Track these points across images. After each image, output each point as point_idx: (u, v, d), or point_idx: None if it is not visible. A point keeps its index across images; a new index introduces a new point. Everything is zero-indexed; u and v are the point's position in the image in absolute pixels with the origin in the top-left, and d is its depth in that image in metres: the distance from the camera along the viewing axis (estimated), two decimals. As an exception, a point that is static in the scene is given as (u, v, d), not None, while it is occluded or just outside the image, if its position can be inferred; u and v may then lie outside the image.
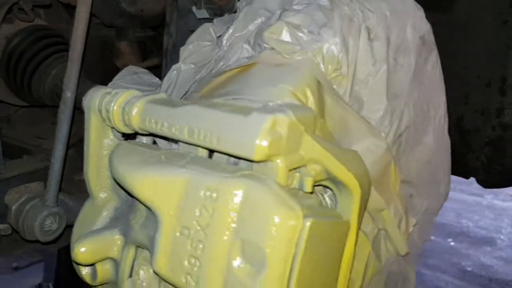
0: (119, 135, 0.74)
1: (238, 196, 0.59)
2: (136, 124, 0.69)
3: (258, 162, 0.61)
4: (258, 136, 0.58)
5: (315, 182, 0.66)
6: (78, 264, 0.72)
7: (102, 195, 0.78)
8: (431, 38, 1.00)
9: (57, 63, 1.29)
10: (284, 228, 0.57)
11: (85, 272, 0.76)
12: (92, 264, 0.73)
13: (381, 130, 0.81)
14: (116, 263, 0.73)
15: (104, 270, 0.74)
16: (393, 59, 0.85)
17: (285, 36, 0.73)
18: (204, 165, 0.63)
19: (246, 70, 0.77)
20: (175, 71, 0.91)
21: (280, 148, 0.60)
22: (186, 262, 0.60)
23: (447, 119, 1.10)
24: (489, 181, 1.75)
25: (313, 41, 0.73)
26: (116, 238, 0.72)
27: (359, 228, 0.72)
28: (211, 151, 0.67)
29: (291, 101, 0.68)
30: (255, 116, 0.59)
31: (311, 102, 0.70)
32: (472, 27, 1.70)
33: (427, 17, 0.94)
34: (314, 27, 0.74)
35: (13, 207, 1.12)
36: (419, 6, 0.96)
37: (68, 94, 1.06)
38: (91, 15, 1.09)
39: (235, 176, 0.60)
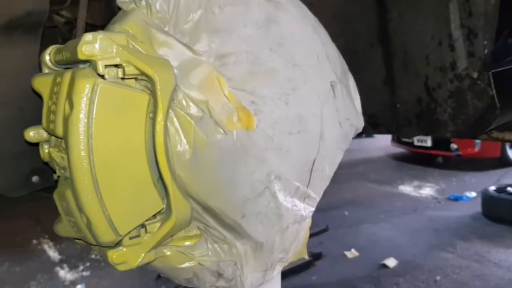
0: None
1: (68, 76, 1.11)
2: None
3: (83, 61, 1.12)
4: (79, 44, 1.09)
5: (131, 74, 1.13)
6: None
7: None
8: None
9: None
10: (82, 85, 1.06)
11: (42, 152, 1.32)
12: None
13: (202, 50, 1.24)
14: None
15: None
16: (218, 7, 1.28)
17: (126, -3, 1.25)
18: (65, 70, 1.17)
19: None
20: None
21: (94, 51, 1.10)
22: (51, 116, 1.13)
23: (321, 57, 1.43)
24: (457, 132, 1.87)
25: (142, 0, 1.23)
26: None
27: (166, 104, 1.14)
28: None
29: (119, 32, 1.18)
30: (82, 37, 1.11)
31: (134, 31, 1.19)
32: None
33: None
34: (144, -9, 1.25)
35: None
36: None
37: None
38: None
39: (71, 70, 1.13)
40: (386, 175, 9.22)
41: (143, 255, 1.17)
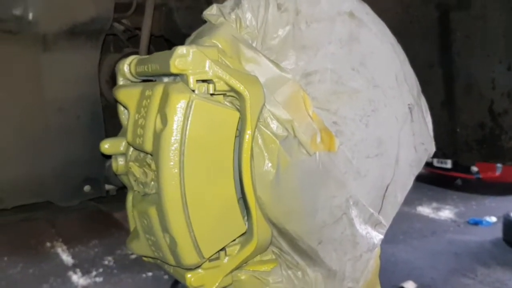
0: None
1: (159, 90, 1.06)
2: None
3: (175, 74, 1.08)
4: (171, 58, 1.05)
5: (221, 90, 1.09)
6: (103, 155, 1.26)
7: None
8: (360, 15, 1.34)
9: None
10: (177, 100, 1.01)
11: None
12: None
13: (289, 68, 1.20)
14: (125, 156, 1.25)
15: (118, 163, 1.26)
16: (305, 23, 1.24)
17: (215, 11, 1.21)
18: (154, 83, 1.13)
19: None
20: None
21: (186, 65, 1.06)
22: (138, 130, 1.09)
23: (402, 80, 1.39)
24: (524, 160, 1.81)
25: (231, 13, 1.19)
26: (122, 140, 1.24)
27: (255, 123, 1.10)
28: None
29: (209, 45, 1.14)
30: (174, 49, 1.07)
31: (223, 46, 1.15)
32: (487, 18, 1.89)
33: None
34: (233, 4, 1.20)
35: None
36: None
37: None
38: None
39: (161, 83, 1.09)
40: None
41: (221, 278, 1.12)
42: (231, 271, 1.13)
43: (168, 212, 1.00)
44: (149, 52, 1.74)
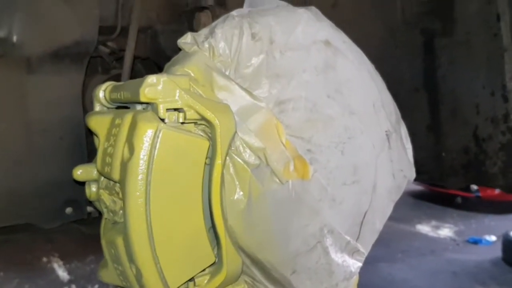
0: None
1: (128, 119, 1.06)
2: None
3: (145, 103, 1.08)
4: (141, 86, 1.06)
5: (191, 119, 1.09)
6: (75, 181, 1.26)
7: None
8: (336, 43, 1.35)
9: None
10: (144, 130, 1.01)
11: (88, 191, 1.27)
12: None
13: (262, 96, 1.20)
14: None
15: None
16: (279, 52, 1.25)
17: (189, 39, 1.22)
18: (124, 111, 1.13)
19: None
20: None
21: (157, 94, 1.06)
22: (107, 159, 1.09)
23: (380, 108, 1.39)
24: (508, 187, 1.80)
25: (204, 42, 1.19)
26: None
27: (225, 151, 1.09)
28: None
29: (181, 74, 1.14)
30: (145, 78, 1.08)
31: (196, 74, 1.15)
32: (471, 44, 1.90)
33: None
34: (208, 33, 1.21)
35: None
36: (321, 18, 1.34)
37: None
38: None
39: (131, 111, 1.09)
40: (404, 213, 9.01)
41: (190, 309, 1.10)
42: (201, 302, 1.12)
43: (134, 242, 0.99)
44: (137, 73, 1.74)
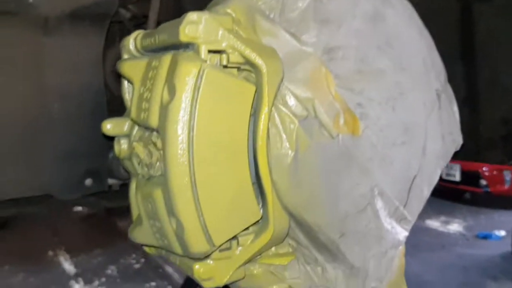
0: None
1: (167, 60, 0.96)
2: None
3: (184, 43, 0.97)
4: (181, 24, 0.95)
5: (235, 63, 0.98)
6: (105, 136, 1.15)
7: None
8: None
9: None
10: (186, 70, 0.91)
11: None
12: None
13: (310, 42, 1.09)
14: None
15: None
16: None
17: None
18: (160, 53, 1.03)
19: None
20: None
21: (198, 33, 0.96)
22: (143, 104, 0.98)
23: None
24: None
25: (248, -17, 1.09)
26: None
27: (272, 99, 0.99)
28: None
29: (225, 14, 1.04)
30: (186, 16, 0.97)
31: (238, 16, 1.05)
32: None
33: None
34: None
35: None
36: None
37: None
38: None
39: (169, 53, 0.98)
40: (412, 208, 8.94)
41: (232, 271, 1.00)
42: (244, 263, 1.01)
43: (175, 193, 0.89)
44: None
